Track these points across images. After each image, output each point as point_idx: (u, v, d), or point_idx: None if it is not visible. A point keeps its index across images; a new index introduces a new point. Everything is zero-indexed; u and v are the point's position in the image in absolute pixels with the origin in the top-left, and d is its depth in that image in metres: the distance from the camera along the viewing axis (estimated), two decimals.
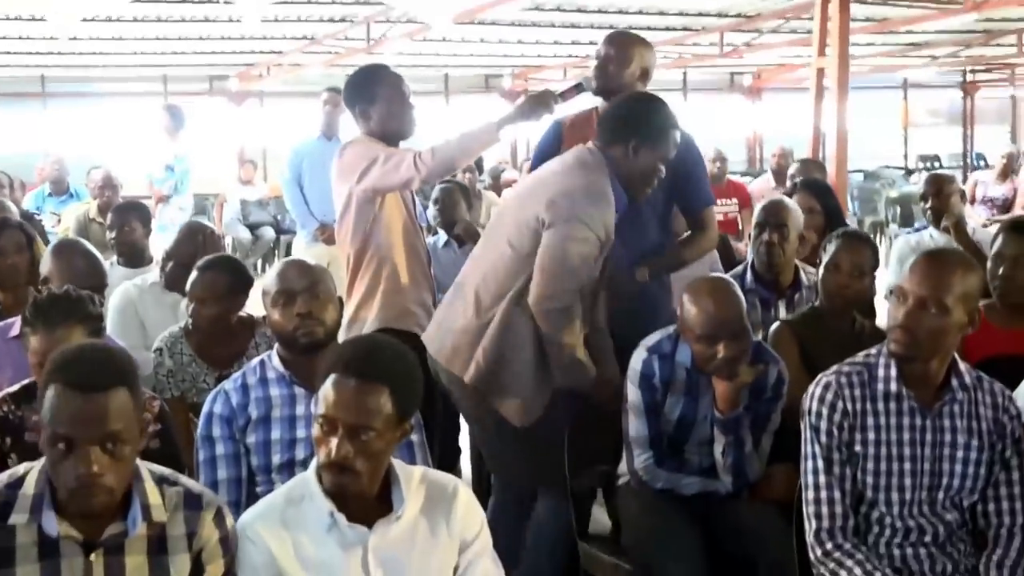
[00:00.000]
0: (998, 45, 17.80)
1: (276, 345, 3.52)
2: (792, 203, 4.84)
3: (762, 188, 10.07)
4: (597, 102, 4.41)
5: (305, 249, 7.42)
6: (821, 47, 7.82)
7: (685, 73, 21.58)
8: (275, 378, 3.46)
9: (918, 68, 21.28)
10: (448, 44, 16.22)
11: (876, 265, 4.26)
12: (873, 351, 3.19)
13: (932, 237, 5.47)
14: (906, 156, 23.89)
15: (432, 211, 6.38)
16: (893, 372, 3.10)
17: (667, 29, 15.35)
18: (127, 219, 5.74)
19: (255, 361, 3.55)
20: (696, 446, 3.83)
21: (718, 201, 9.56)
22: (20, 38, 13.81)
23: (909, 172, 22.15)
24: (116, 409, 2.37)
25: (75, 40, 13.78)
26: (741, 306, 3.60)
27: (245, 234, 14.37)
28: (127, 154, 10.44)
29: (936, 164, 23.14)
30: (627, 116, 3.99)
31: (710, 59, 17.42)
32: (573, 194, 3.80)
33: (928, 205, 5.48)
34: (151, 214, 6.12)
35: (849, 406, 3.11)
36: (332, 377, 2.60)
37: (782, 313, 4.62)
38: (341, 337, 4.33)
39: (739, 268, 4.83)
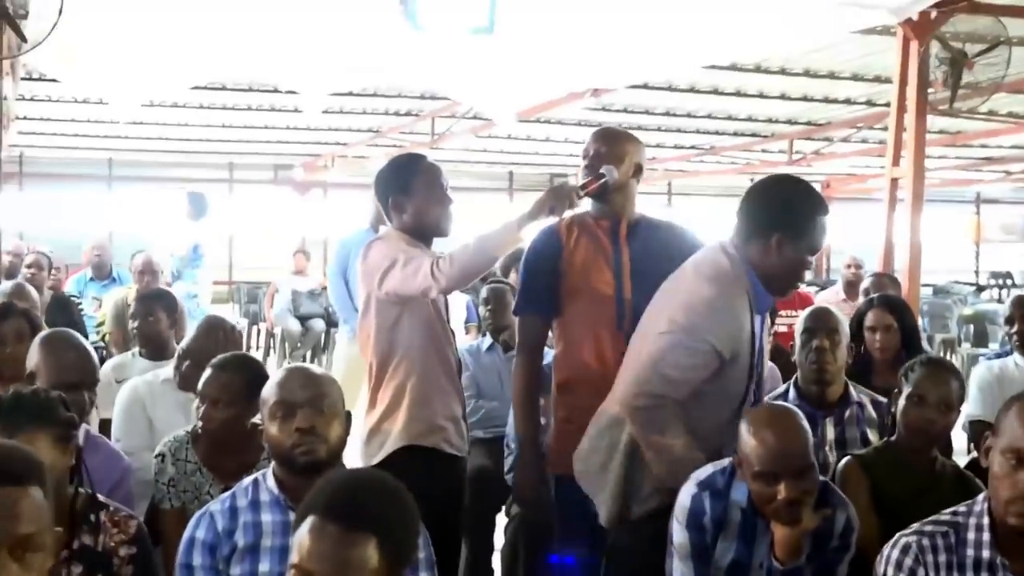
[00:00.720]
0: None
1: (272, 463, 3.11)
2: (838, 312, 4.46)
3: (830, 300, 9.72)
4: (590, 206, 3.99)
5: (347, 344, 7.14)
6: (896, 157, 7.51)
7: (752, 179, 21.23)
8: (269, 501, 3.03)
9: (991, 183, 20.97)
10: (513, 142, 16.16)
11: (963, 398, 3.76)
12: (962, 509, 2.75)
13: (1017, 365, 5.00)
14: (977, 272, 23.69)
15: (483, 311, 6.03)
16: (987, 536, 2.66)
17: (735, 135, 15.20)
18: (152, 308, 5.35)
19: (248, 480, 3.12)
20: None
21: (782, 312, 9.25)
22: (88, 120, 13.91)
23: (980, 288, 21.82)
24: (29, 509, 2.05)
25: (140, 124, 13.84)
26: (807, 439, 3.14)
27: (295, 325, 14.13)
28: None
29: (1008, 281, 22.80)
30: (767, 206, 3.54)
31: (778, 166, 17.15)
32: (696, 307, 3.43)
33: (1014, 330, 5.02)
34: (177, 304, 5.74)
35: (932, 574, 2.70)
36: (310, 520, 2.13)
37: (830, 433, 4.17)
38: (359, 451, 4.05)
39: (780, 388, 4.42)
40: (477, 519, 5.14)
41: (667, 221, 4.18)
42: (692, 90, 11.83)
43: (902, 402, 3.63)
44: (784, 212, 3.49)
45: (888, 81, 10.38)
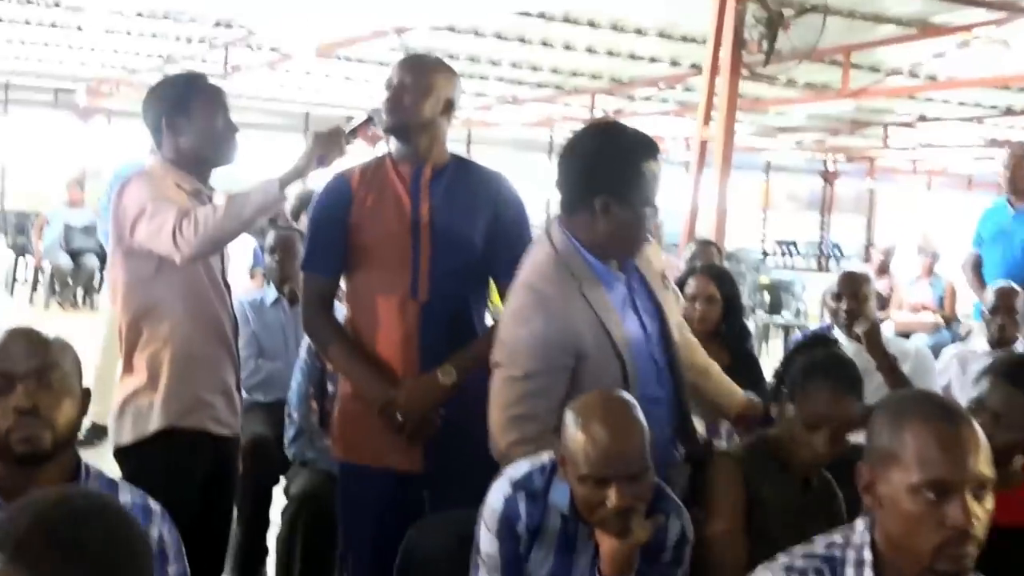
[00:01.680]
0: (863, 136, 17.84)
1: None
2: None
3: None
4: (391, 147, 3.26)
5: None
6: (707, 117, 7.27)
7: (552, 136, 21.22)
8: None
9: (782, 151, 21.31)
10: (310, 78, 15.58)
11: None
12: (838, 539, 2.20)
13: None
14: (764, 239, 23.97)
15: (268, 259, 5.24)
16: (869, 573, 2.13)
17: (539, 86, 14.95)
18: None
19: None
20: None
21: None
22: None
23: (765, 255, 22.20)
24: None
25: None
26: (644, 437, 2.49)
27: (65, 260, 13.40)
28: None
29: (793, 249, 23.33)
30: (581, 167, 2.93)
31: (579, 120, 17.02)
32: (511, 329, 2.88)
33: (843, 307, 4.73)
34: None
35: None
36: None
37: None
38: (110, 426, 3.35)
39: None
40: (253, 491, 4.57)
41: (482, 165, 3.43)
42: (498, 37, 11.50)
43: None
44: (601, 169, 2.92)
45: (694, 41, 10.34)
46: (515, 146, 21.46)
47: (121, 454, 3.30)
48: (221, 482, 3.48)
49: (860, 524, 2.18)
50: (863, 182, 24.24)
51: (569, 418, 2.52)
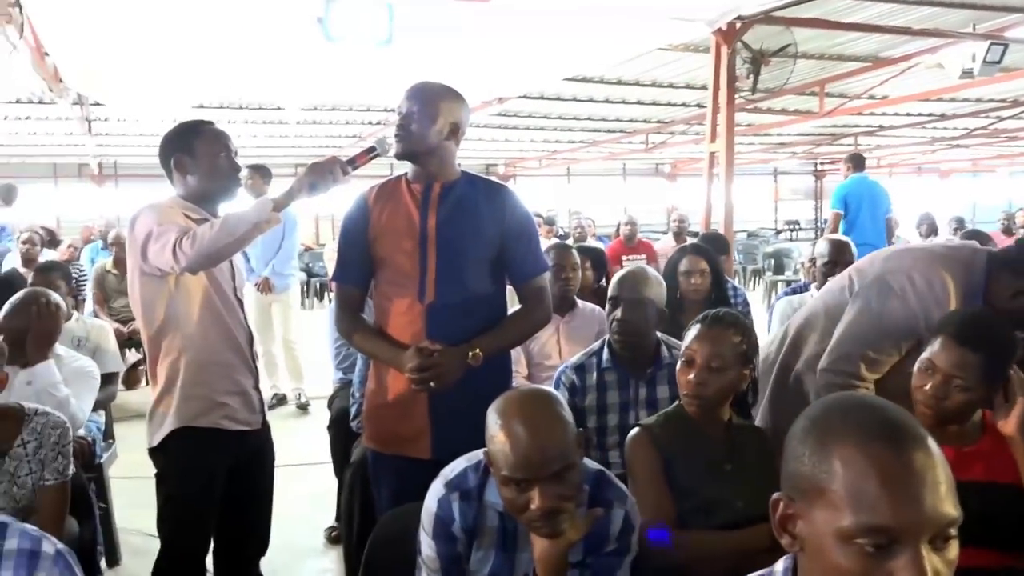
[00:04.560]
0: (840, 144, 16.93)
1: None
2: (652, 272, 2.98)
3: (664, 247, 9.01)
4: (405, 167, 2.58)
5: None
6: (713, 135, 6.72)
7: (624, 164, 20.61)
8: None
9: (784, 160, 20.55)
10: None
11: (750, 350, 2.28)
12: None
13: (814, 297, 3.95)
14: (776, 221, 23.50)
15: None
16: None
17: (608, 132, 14.29)
18: None
19: None
20: None
21: (629, 256, 8.47)
22: None
23: (778, 232, 22.03)
24: None
25: None
26: (567, 435, 1.71)
27: None
28: None
29: (796, 226, 23.08)
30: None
31: (639, 152, 16.36)
32: None
33: (824, 269, 3.93)
34: None
35: None
36: None
37: (641, 393, 2.83)
38: (147, 430, 2.72)
39: (595, 344, 2.97)
40: (341, 454, 3.80)
41: (490, 180, 2.65)
42: (575, 99, 10.90)
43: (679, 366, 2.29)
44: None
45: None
46: (596, 173, 20.82)
47: (152, 454, 2.70)
48: (250, 470, 2.81)
49: (780, 567, 1.18)
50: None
51: (491, 418, 1.74)
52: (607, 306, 2.93)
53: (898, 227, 8.78)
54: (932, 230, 11.71)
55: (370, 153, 2.53)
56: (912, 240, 11.70)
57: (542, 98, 10.74)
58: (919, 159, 20.64)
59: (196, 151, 2.69)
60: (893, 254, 2.69)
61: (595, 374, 2.87)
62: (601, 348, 2.92)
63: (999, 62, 6.92)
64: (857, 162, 7.95)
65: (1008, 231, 11.09)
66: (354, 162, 2.51)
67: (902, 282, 2.50)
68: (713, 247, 4.17)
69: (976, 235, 3.85)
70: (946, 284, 2.45)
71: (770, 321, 4.18)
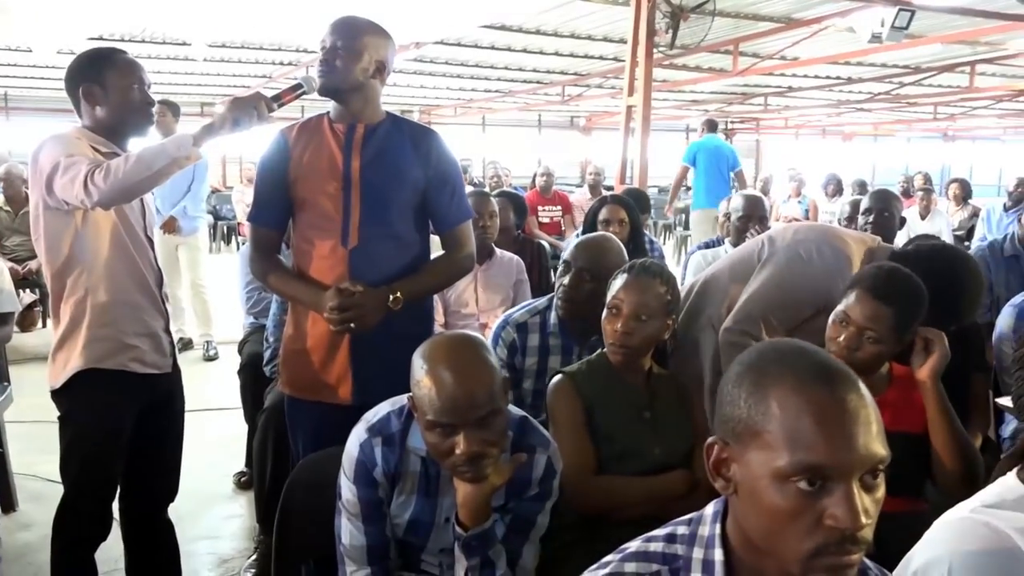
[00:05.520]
0: (750, 104, 17.18)
1: None
2: (616, 244, 2.83)
3: (580, 199, 9.08)
4: (328, 106, 2.46)
5: None
6: (630, 89, 6.72)
7: (540, 116, 20.54)
8: None
9: (696, 118, 20.71)
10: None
11: (673, 301, 2.29)
12: (682, 530, 1.20)
13: (727, 252, 3.88)
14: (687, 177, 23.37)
15: None
16: None
17: (525, 82, 14.16)
18: None
19: None
20: (438, 555, 1.90)
21: (545, 207, 8.55)
22: None
23: (688, 188, 21.83)
24: None
25: None
26: (494, 379, 1.69)
27: None
28: None
29: None
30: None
31: (555, 104, 16.30)
32: None
33: (739, 224, 4.03)
34: None
35: None
36: None
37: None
38: (48, 371, 2.55)
39: (540, 302, 2.87)
40: (251, 399, 3.75)
41: (416, 123, 2.55)
42: (492, 48, 10.72)
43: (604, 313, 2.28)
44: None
45: (625, 41, 9.75)
46: (511, 124, 20.69)
47: (55, 396, 2.54)
48: (159, 415, 2.67)
49: (709, 513, 1.19)
50: (753, 136, 23.59)
51: (416, 363, 1.71)
52: (559, 267, 2.80)
53: (746, 184, 9.66)
54: (838, 189, 12.12)
55: (296, 90, 2.41)
56: (819, 198, 12.08)
57: (459, 45, 10.56)
58: (825, 121, 21.17)
59: (107, 82, 2.50)
60: (808, 227, 2.83)
61: (538, 335, 2.79)
62: (547, 308, 2.83)
63: (906, 28, 7.10)
64: (711, 126, 9.46)
65: (907, 193, 11.55)
66: (279, 99, 2.37)
67: (811, 253, 2.63)
68: (636, 203, 4.20)
69: (885, 195, 3.96)
70: (852, 262, 2.59)
71: (684, 276, 4.24)
